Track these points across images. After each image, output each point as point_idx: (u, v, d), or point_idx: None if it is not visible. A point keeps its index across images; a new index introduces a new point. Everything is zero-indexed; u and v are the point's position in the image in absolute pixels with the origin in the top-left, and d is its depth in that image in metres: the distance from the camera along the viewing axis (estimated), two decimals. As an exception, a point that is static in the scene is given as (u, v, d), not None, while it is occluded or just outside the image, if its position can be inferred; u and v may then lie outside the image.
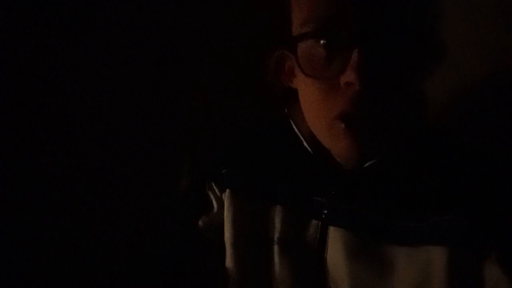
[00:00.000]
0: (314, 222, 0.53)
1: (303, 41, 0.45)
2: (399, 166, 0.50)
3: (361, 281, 0.49)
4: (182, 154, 0.85)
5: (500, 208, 0.45)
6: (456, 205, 0.46)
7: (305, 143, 0.54)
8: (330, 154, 0.52)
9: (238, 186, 0.59)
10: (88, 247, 0.80)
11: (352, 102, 0.43)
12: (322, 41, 0.44)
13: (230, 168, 0.61)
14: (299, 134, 0.55)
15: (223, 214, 0.59)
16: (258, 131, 0.64)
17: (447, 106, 0.70)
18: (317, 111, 0.47)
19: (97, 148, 0.80)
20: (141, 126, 0.83)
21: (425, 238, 0.46)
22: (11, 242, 0.75)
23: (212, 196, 0.63)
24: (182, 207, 0.71)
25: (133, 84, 0.81)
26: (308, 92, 0.47)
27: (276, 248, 0.54)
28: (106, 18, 0.79)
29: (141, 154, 0.82)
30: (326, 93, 0.45)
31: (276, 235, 0.55)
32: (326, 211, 0.52)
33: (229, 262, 0.57)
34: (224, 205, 0.59)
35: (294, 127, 0.55)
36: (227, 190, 0.59)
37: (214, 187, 0.62)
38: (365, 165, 0.50)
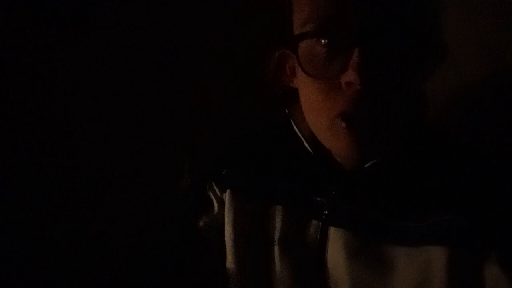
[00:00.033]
0: (314, 222, 0.53)
1: (304, 41, 0.45)
2: (399, 166, 0.50)
3: (361, 281, 0.49)
4: (182, 154, 0.85)
5: (500, 208, 0.45)
6: (456, 205, 0.46)
7: (305, 143, 0.54)
8: (330, 154, 0.52)
9: (238, 186, 0.59)
10: (88, 247, 0.79)
11: (352, 102, 0.43)
12: (323, 41, 0.44)
13: (230, 168, 0.61)
14: (299, 134, 0.55)
15: (223, 214, 0.59)
16: (258, 131, 0.64)
17: (447, 106, 0.70)
18: (317, 110, 0.47)
19: (97, 148, 0.80)
20: (141, 126, 0.83)
21: (425, 238, 0.46)
22: (11, 242, 0.75)
23: (212, 196, 0.63)
24: (182, 207, 0.71)
25: (133, 84, 0.81)
26: (308, 91, 0.47)
27: (276, 248, 0.54)
28: (106, 18, 0.79)
29: (141, 154, 0.82)
30: (326, 92, 0.45)
31: (277, 235, 0.55)
32: (326, 211, 0.52)
33: (229, 262, 0.57)
34: (225, 205, 0.60)
35: (295, 127, 0.55)
36: (228, 190, 0.59)
37: (215, 187, 0.62)
38: (365, 166, 0.50)
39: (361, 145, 0.45)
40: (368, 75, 0.41)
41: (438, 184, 0.48)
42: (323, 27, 0.44)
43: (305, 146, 0.54)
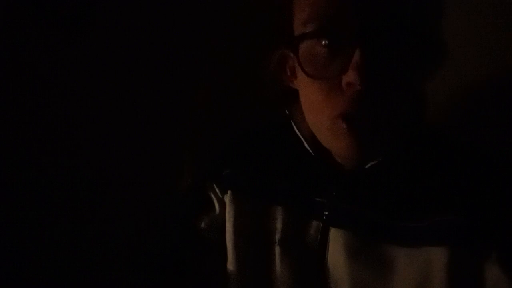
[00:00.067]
0: (314, 222, 0.53)
1: (304, 41, 0.45)
2: (399, 166, 0.50)
3: (362, 281, 0.49)
4: (182, 154, 0.85)
5: (500, 208, 0.45)
6: (456, 205, 0.46)
7: (305, 144, 0.54)
8: (330, 155, 0.52)
9: (239, 186, 0.59)
10: (88, 247, 0.79)
11: (352, 102, 0.43)
12: (323, 41, 0.44)
13: (231, 169, 0.61)
14: (299, 134, 0.55)
15: (224, 215, 0.59)
16: (258, 132, 0.64)
17: (447, 106, 0.70)
18: (317, 111, 0.47)
19: (97, 148, 0.80)
20: (141, 126, 0.83)
21: (425, 238, 0.46)
22: (11, 242, 0.75)
23: (213, 197, 0.63)
24: (182, 207, 0.71)
25: (133, 84, 0.81)
26: (309, 92, 0.47)
27: (277, 248, 0.54)
28: (106, 18, 0.79)
29: (141, 154, 0.82)
30: (326, 93, 0.45)
31: (277, 236, 0.55)
32: (326, 212, 0.52)
33: (230, 262, 0.58)
34: (226, 206, 0.60)
35: (295, 127, 0.55)
36: (229, 191, 0.59)
37: (216, 188, 0.62)
38: (366, 166, 0.50)
39: (362, 146, 0.45)
40: (368, 76, 0.41)
41: (438, 184, 0.48)
42: (324, 28, 0.44)
43: (305, 147, 0.54)
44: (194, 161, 0.84)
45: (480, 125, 0.69)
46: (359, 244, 0.49)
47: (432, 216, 0.46)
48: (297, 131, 0.55)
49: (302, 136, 0.54)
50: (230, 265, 0.57)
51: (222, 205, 0.61)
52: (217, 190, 0.62)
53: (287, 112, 0.57)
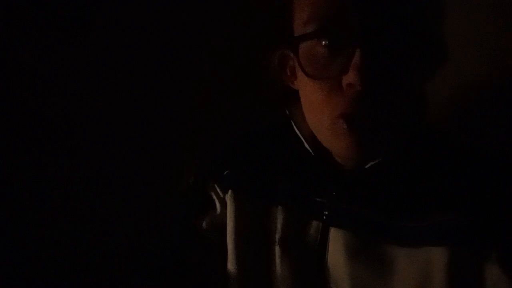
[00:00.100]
0: (314, 222, 0.53)
1: (304, 41, 0.45)
2: (399, 166, 0.50)
3: (362, 281, 0.49)
4: (182, 154, 0.84)
5: (500, 208, 0.45)
6: (456, 205, 0.46)
7: (305, 144, 0.54)
8: (330, 155, 0.52)
9: (239, 186, 0.59)
10: (88, 247, 0.79)
11: (353, 102, 0.43)
12: (323, 42, 0.44)
13: (231, 169, 0.61)
14: (299, 134, 0.55)
15: (225, 215, 0.59)
16: (258, 132, 0.64)
17: (447, 106, 0.70)
18: (318, 111, 0.47)
19: (97, 148, 0.80)
20: (141, 126, 0.83)
21: (425, 238, 0.46)
22: (11, 242, 0.75)
23: (214, 197, 0.63)
24: (182, 207, 0.71)
25: (133, 84, 0.81)
26: (309, 92, 0.47)
27: (277, 248, 0.54)
28: (106, 18, 0.79)
29: (141, 154, 0.82)
30: (327, 93, 0.45)
31: (277, 236, 0.55)
32: (326, 212, 0.52)
33: (230, 262, 0.58)
34: (227, 206, 0.60)
35: (295, 127, 0.55)
36: (230, 191, 0.59)
37: (217, 188, 0.62)
38: (366, 166, 0.50)
39: (362, 146, 0.45)
40: (368, 76, 0.41)
41: (438, 184, 0.48)
42: (324, 28, 0.44)
43: (305, 147, 0.54)
44: (194, 161, 0.84)
45: (480, 125, 0.69)
46: (359, 244, 0.49)
47: (432, 216, 0.46)
48: (297, 131, 0.55)
49: (302, 136, 0.54)
50: (230, 265, 0.57)
51: (223, 204, 0.61)
52: (218, 190, 0.62)
53: (287, 112, 0.57)
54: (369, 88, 0.41)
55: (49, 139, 0.78)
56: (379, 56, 0.42)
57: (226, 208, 0.60)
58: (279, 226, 0.55)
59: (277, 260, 0.54)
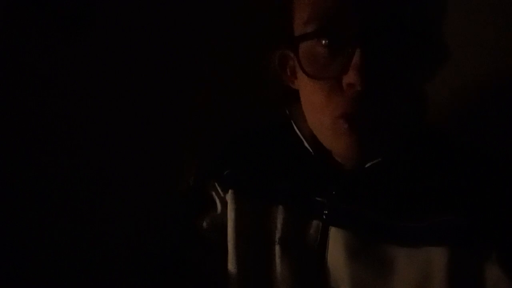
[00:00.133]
0: (314, 222, 0.53)
1: (305, 41, 0.45)
2: (400, 166, 0.50)
3: (362, 281, 0.49)
4: (182, 154, 0.84)
5: (500, 208, 0.45)
6: (456, 205, 0.46)
7: (305, 144, 0.54)
8: (330, 155, 0.52)
9: (239, 186, 0.59)
10: (88, 247, 0.79)
11: (353, 102, 0.43)
12: (323, 41, 0.44)
13: (232, 168, 0.61)
14: (299, 134, 0.55)
15: (226, 215, 0.59)
16: (258, 131, 0.64)
17: (447, 106, 0.70)
18: (318, 111, 0.47)
19: (97, 148, 0.80)
20: (141, 126, 0.83)
21: (425, 238, 0.46)
22: (11, 242, 0.75)
23: (215, 197, 0.63)
24: (182, 207, 0.71)
25: (133, 84, 0.81)
26: (309, 92, 0.47)
27: (277, 248, 0.54)
28: (106, 18, 0.79)
29: (141, 154, 0.82)
30: (327, 93, 0.45)
31: (277, 235, 0.55)
32: (326, 212, 0.52)
33: (230, 262, 0.58)
34: (227, 206, 0.60)
35: (295, 127, 0.55)
36: (230, 191, 0.59)
37: (217, 188, 0.62)
38: (366, 166, 0.50)
39: (362, 145, 0.45)
40: (369, 76, 0.41)
41: (438, 184, 0.48)
42: (324, 28, 0.44)
43: (305, 146, 0.54)
44: (194, 161, 0.84)
45: (480, 125, 0.69)
46: (359, 244, 0.49)
47: (432, 216, 0.46)
48: (297, 131, 0.55)
49: (303, 136, 0.54)
50: (231, 265, 0.57)
51: (224, 204, 0.61)
52: (219, 189, 0.62)
53: (287, 112, 0.57)
54: (369, 88, 0.41)
55: (49, 139, 0.78)
56: (379, 56, 0.42)
57: (226, 208, 0.60)
58: (279, 225, 0.55)
59: (277, 260, 0.54)
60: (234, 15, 0.83)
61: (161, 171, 0.83)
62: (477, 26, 0.70)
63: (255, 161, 0.60)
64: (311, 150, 0.54)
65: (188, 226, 0.66)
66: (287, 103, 0.56)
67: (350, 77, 0.42)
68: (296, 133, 0.55)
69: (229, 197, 0.59)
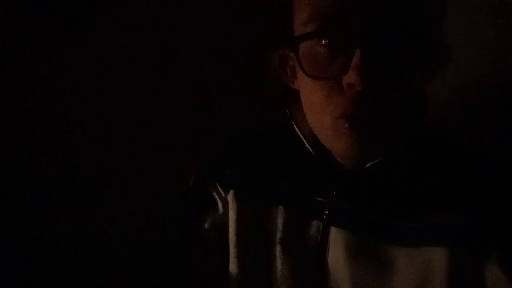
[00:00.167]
0: (315, 222, 0.53)
1: (305, 41, 0.45)
2: (400, 166, 0.50)
3: (362, 281, 0.49)
4: (182, 154, 0.85)
5: (500, 208, 0.45)
6: (456, 205, 0.46)
7: (306, 144, 0.54)
8: (330, 155, 0.52)
9: (240, 186, 0.59)
10: (88, 247, 0.79)
11: (353, 102, 0.43)
12: (323, 41, 0.44)
13: (232, 168, 0.61)
14: (300, 134, 0.55)
15: (227, 215, 0.59)
16: (258, 131, 0.64)
17: (447, 106, 0.70)
18: (318, 111, 0.47)
19: (97, 148, 0.80)
20: (141, 126, 0.83)
21: (425, 239, 0.46)
22: (11, 242, 0.75)
23: (216, 197, 0.62)
24: (183, 207, 0.71)
25: (133, 84, 0.81)
26: (309, 92, 0.47)
27: (277, 248, 0.54)
28: (106, 18, 0.79)
29: (141, 154, 0.82)
30: (327, 93, 0.45)
31: (278, 236, 0.55)
32: (327, 212, 0.52)
33: (231, 262, 0.57)
34: (228, 206, 0.60)
35: (295, 127, 0.55)
36: (231, 191, 0.59)
37: (219, 188, 0.62)
38: (366, 166, 0.50)
39: (362, 145, 0.45)
40: (369, 76, 0.41)
41: (438, 184, 0.48)
42: (324, 28, 0.44)
43: (305, 147, 0.54)
44: (194, 161, 0.84)
45: (480, 125, 0.69)
46: (359, 244, 0.49)
47: (432, 216, 0.46)
48: (297, 131, 0.55)
49: (303, 136, 0.54)
50: (231, 265, 0.57)
51: (225, 204, 0.61)
52: (220, 190, 0.62)
53: (287, 112, 0.57)
54: (369, 88, 0.41)
55: (49, 139, 0.78)
56: (379, 56, 0.42)
57: (228, 208, 0.60)
58: (279, 225, 0.55)
59: (278, 260, 0.54)
60: (234, 15, 0.83)
61: (161, 171, 0.83)
62: (477, 26, 0.70)
63: (255, 161, 0.60)
64: (311, 150, 0.54)
65: (188, 226, 0.66)
66: (287, 103, 0.56)
67: (350, 77, 0.42)
68: (296, 133, 0.55)
69: (230, 197, 0.59)
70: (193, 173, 0.80)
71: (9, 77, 0.74)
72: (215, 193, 0.63)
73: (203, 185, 0.65)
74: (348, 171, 0.52)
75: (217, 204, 0.62)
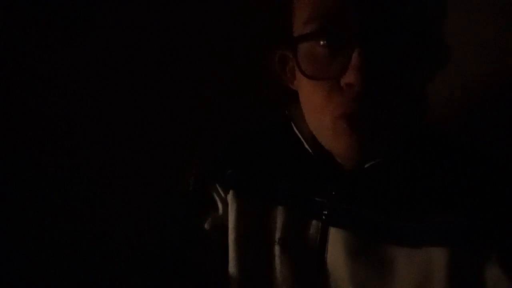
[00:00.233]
0: (314, 222, 0.53)
1: (304, 42, 0.45)
2: (400, 166, 0.50)
3: (362, 281, 0.49)
4: (182, 154, 0.85)
5: (500, 208, 0.45)
6: (456, 205, 0.46)
7: (305, 144, 0.54)
8: (330, 155, 0.52)
9: (240, 186, 0.59)
10: (88, 247, 0.79)
11: (353, 102, 0.43)
12: (322, 41, 0.44)
13: (232, 169, 0.61)
14: (299, 135, 0.55)
15: (227, 215, 0.59)
16: (258, 132, 0.64)
17: (447, 106, 0.70)
18: (318, 111, 0.47)
19: (97, 148, 0.80)
20: (141, 126, 0.83)
21: (425, 239, 0.46)
22: (11, 242, 0.75)
23: (216, 197, 0.62)
24: (183, 207, 0.71)
25: (133, 84, 0.81)
26: (308, 93, 0.47)
27: (277, 248, 0.54)
28: (106, 18, 0.79)
29: (141, 154, 0.82)
30: (327, 93, 0.45)
31: (277, 236, 0.55)
32: (326, 212, 0.52)
33: (230, 262, 0.57)
34: (228, 206, 0.60)
35: (295, 128, 0.55)
36: (231, 191, 0.59)
37: (218, 188, 0.62)
38: (365, 166, 0.50)
39: (362, 146, 0.45)
40: (368, 76, 0.41)
41: (438, 184, 0.48)
42: (324, 28, 0.44)
43: (305, 147, 0.54)
44: (194, 161, 0.84)
45: (480, 125, 0.69)
46: (359, 244, 0.49)
47: (432, 216, 0.46)
48: (297, 131, 0.55)
49: (302, 136, 0.54)
50: (231, 265, 0.57)
51: (225, 204, 0.61)
52: (220, 190, 0.62)
53: (287, 112, 0.57)
54: (369, 88, 0.41)
55: (49, 139, 0.78)
56: (379, 56, 0.42)
57: (228, 208, 0.60)
58: (279, 226, 0.55)
59: (277, 260, 0.54)
60: (234, 15, 0.83)
61: (161, 171, 0.83)
62: (477, 26, 0.70)
63: (255, 161, 0.60)
64: (310, 151, 0.54)
65: (188, 226, 0.66)
66: (287, 103, 0.56)
67: (348, 77, 0.42)
68: (296, 134, 0.55)
69: (230, 197, 0.59)
70: (193, 173, 0.80)
71: (9, 77, 0.74)
72: (215, 193, 0.63)
73: (203, 185, 0.65)
74: (347, 171, 0.52)
75: (217, 204, 0.62)
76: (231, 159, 0.62)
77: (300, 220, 0.54)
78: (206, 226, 0.63)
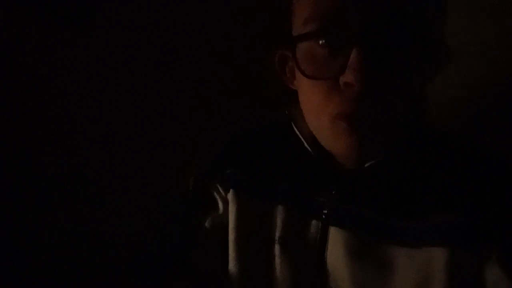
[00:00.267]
0: (314, 222, 0.53)
1: (303, 42, 0.45)
2: (400, 166, 0.50)
3: (362, 281, 0.49)
4: (182, 154, 0.85)
5: (500, 209, 0.45)
6: (456, 205, 0.46)
7: (305, 144, 0.54)
8: (330, 155, 0.52)
9: (240, 186, 0.59)
10: (88, 247, 0.79)
11: (352, 102, 0.43)
12: (322, 41, 0.44)
13: (232, 168, 0.61)
14: (299, 135, 0.55)
15: (228, 214, 0.59)
16: (258, 131, 0.64)
17: (447, 106, 0.70)
18: (317, 111, 0.47)
19: (97, 148, 0.80)
20: (141, 126, 0.83)
21: (425, 239, 0.46)
22: (11, 242, 0.75)
23: (217, 197, 0.62)
24: (183, 207, 0.71)
25: (133, 84, 0.81)
26: (308, 92, 0.47)
27: (277, 248, 0.54)
28: (106, 18, 0.79)
29: (141, 154, 0.82)
30: (326, 93, 0.45)
31: (277, 235, 0.55)
32: (326, 211, 0.52)
33: (230, 261, 0.58)
34: (228, 205, 0.60)
35: (294, 127, 0.55)
36: (231, 190, 0.59)
37: (219, 188, 0.62)
38: (365, 166, 0.50)
39: (362, 145, 0.45)
40: (367, 76, 0.41)
41: (438, 184, 0.48)
42: (323, 28, 0.44)
43: (305, 147, 0.54)
44: (194, 161, 0.84)
45: (480, 125, 0.69)
46: (359, 244, 0.49)
47: (432, 216, 0.46)
48: (297, 131, 0.55)
49: (302, 136, 0.54)
50: (231, 264, 0.57)
51: (226, 204, 0.61)
52: (221, 189, 0.62)
53: (287, 113, 0.57)
54: (368, 87, 0.41)
55: (49, 139, 0.78)
56: (378, 56, 0.42)
57: (228, 208, 0.60)
58: (279, 225, 0.55)
59: (277, 260, 0.54)
60: (234, 15, 0.83)
61: (161, 171, 0.83)
62: (477, 26, 0.70)
63: (255, 161, 0.60)
64: (310, 150, 0.54)
65: (188, 226, 0.66)
66: (287, 103, 0.56)
67: (348, 77, 0.42)
68: (296, 133, 0.55)
69: (230, 197, 0.59)
70: (193, 173, 0.80)
71: (9, 77, 0.74)
72: (215, 193, 0.63)
73: (203, 185, 0.65)
74: (347, 170, 0.52)
75: (217, 203, 0.62)
76: (231, 159, 0.62)
77: (300, 219, 0.54)
78: (206, 225, 0.63)
